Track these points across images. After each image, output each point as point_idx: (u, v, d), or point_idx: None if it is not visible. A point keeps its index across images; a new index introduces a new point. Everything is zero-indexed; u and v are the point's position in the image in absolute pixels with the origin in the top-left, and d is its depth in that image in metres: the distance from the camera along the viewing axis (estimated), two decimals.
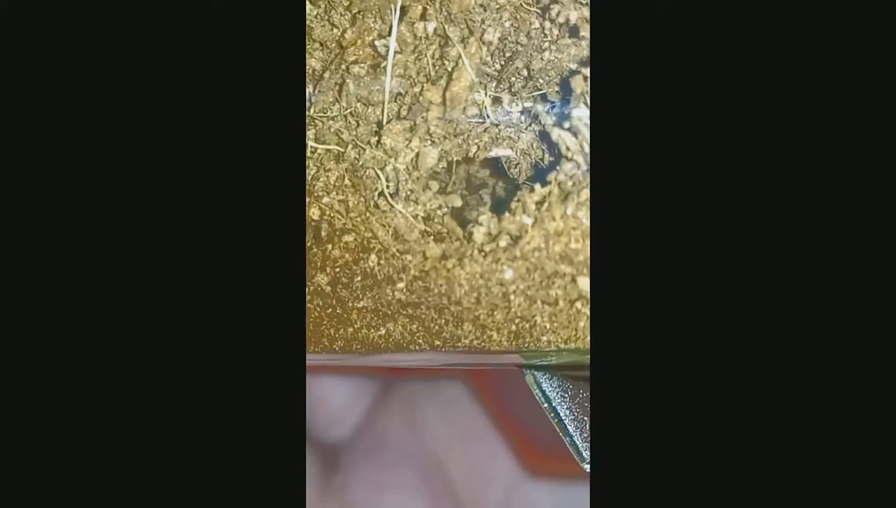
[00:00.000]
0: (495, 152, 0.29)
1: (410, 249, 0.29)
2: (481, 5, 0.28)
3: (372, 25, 0.29)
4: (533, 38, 0.28)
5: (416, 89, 0.29)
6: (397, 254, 0.29)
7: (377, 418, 0.47)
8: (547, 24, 0.28)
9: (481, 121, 0.29)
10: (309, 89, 0.29)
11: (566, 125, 0.28)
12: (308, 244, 0.30)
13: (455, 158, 0.29)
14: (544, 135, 0.29)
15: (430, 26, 0.29)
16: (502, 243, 0.28)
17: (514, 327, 0.29)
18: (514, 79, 0.29)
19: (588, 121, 0.28)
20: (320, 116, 0.29)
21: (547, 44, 0.28)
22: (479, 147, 0.29)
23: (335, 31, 0.29)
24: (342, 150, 0.29)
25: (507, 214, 0.28)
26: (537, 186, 0.28)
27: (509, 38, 0.29)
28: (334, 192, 0.29)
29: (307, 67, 0.29)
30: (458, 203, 0.29)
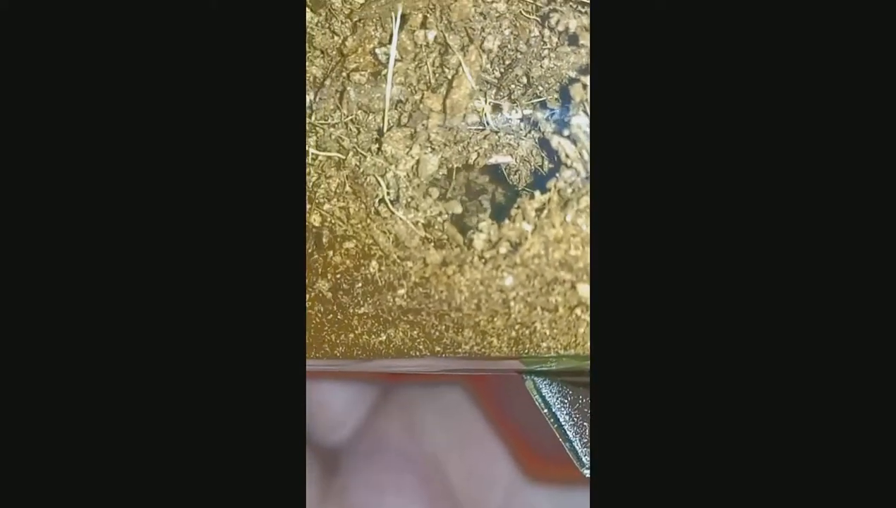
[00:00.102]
0: (495, 159, 0.29)
1: (411, 256, 0.29)
2: (481, 13, 0.29)
3: (373, 33, 0.29)
4: (532, 45, 0.29)
5: (417, 97, 0.29)
6: (398, 261, 0.29)
7: (377, 422, 0.48)
8: (546, 33, 0.28)
9: (481, 128, 0.29)
10: (310, 96, 0.30)
11: (566, 133, 0.28)
12: (309, 250, 0.30)
13: (455, 165, 0.29)
14: (544, 143, 0.29)
15: (431, 34, 0.29)
16: (502, 250, 0.28)
17: (514, 333, 0.29)
18: (513, 86, 0.29)
19: (587, 129, 0.28)
20: (321, 123, 0.29)
21: (546, 52, 0.29)
22: (478, 154, 0.29)
23: (336, 38, 0.29)
24: (343, 157, 0.29)
25: (507, 221, 0.28)
26: (537, 193, 0.28)
27: (509, 46, 0.29)
28: (335, 199, 0.29)
29: (308, 75, 0.29)
30: (459, 210, 0.29)
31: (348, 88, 0.29)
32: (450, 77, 0.29)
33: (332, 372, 0.45)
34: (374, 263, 0.29)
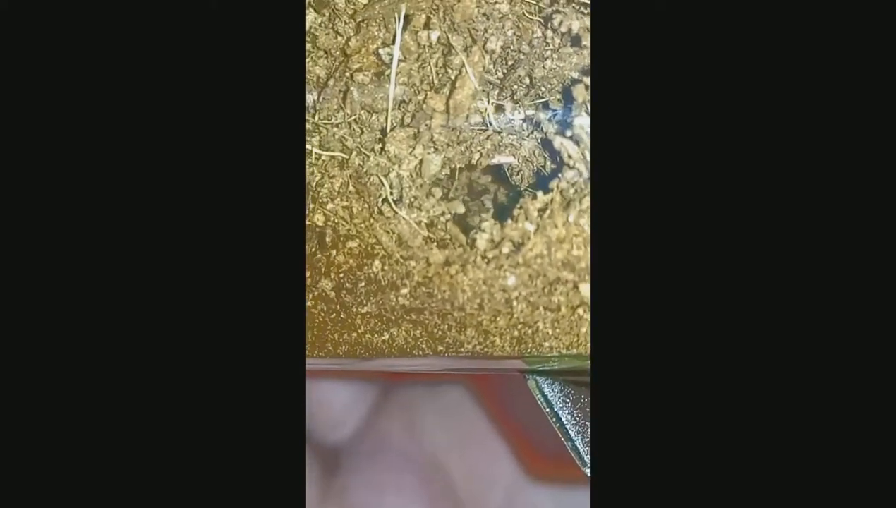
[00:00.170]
0: (498, 159, 0.29)
1: (414, 255, 0.29)
2: (484, 14, 0.29)
3: (376, 34, 0.29)
4: (535, 46, 0.29)
5: (420, 97, 0.29)
6: (401, 260, 0.29)
7: (377, 421, 0.48)
8: (549, 34, 0.28)
9: (484, 128, 0.29)
10: (313, 96, 0.30)
11: (568, 133, 0.28)
12: (312, 250, 0.30)
13: (458, 165, 0.29)
14: (546, 143, 0.29)
15: (434, 35, 0.29)
16: (505, 250, 0.28)
17: (516, 333, 0.29)
18: (516, 87, 0.29)
19: (589, 130, 0.28)
20: (324, 123, 0.30)
21: (549, 52, 0.29)
22: (481, 154, 0.29)
23: (339, 38, 0.29)
24: (346, 157, 0.30)
25: (509, 221, 0.28)
26: (540, 193, 0.28)
27: (511, 47, 0.29)
28: (338, 199, 0.30)
29: (312, 75, 0.30)
30: (462, 210, 0.29)
31: (352, 88, 0.29)
32: (453, 77, 0.29)
33: (333, 370, 0.45)
34: (377, 263, 0.29)
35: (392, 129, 0.29)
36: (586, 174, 0.28)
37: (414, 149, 0.29)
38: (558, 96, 0.29)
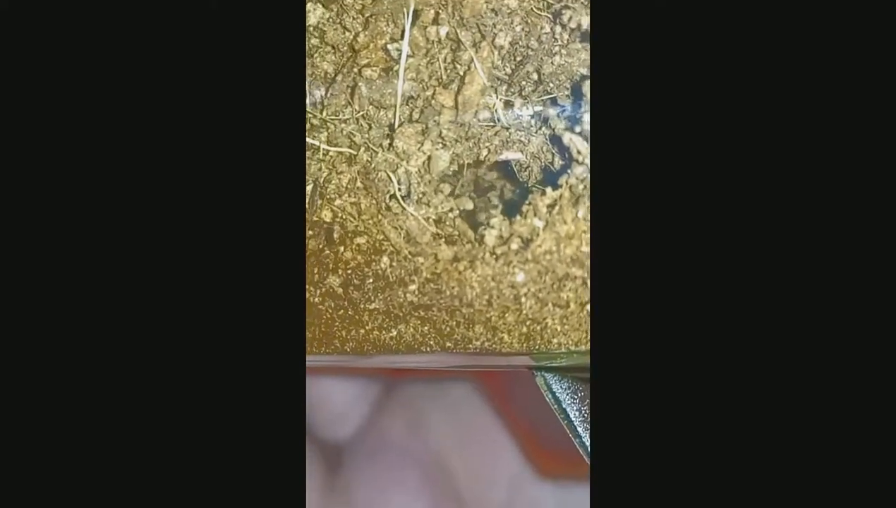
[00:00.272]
0: (506, 155, 0.29)
1: (422, 251, 0.29)
2: (493, 10, 0.29)
3: (384, 29, 0.29)
4: (544, 42, 0.29)
5: (429, 93, 0.29)
6: (409, 257, 0.29)
7: (381, 418, 0.48)
8: (558, 29, 0.28)
9: (492, 124, 0.29)
10: (321, 92, 0.30)
11: (577, 129, 0.28)
12: (320, 246, 0.30)
13: (466, 162, 0.29)
14: (555, 139, 0.29)
15: (443, 30, 0.29)
16: (514, 246, 0.28)
17: (525, 329, 0.29)
18: (524, 83, 0.29)
19: (590, 126, 0.28)
20: (332, 119, 0.29)
21: (557, 48, 0.29)
22: (489, 150, 0.29)
23: (347, 34, 0.29)
24: (354, 153, 0.29)
25: (518, 217, 0.28)
26: (549, 189, 0.28)
27: (520, 43, 0.29)
28: (346, 195, 0.29)
29: (319, 70, 0.29)
30: (470, 206, 0.29)
31: (360, 84, 0.29)
32: (461, 73, 0.29)
33: (341, 367, 0.45)
34: (385, 259, 0.29)
35: (400, 125, 0.29)
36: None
37: (422, 145, 0.29)
38: (567, 92, 0.29)
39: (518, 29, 0.29)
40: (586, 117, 0.28)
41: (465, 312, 0.29)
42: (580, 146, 0.28)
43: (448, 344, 0.29)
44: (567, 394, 0.32)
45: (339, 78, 0.29)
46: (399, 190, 0.29)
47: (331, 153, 0.30)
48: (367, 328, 0.30)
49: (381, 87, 0.29)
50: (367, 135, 0.29)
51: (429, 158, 0.29)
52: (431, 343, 0.29)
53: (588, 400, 0.32)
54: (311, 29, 0.29)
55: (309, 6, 0.29)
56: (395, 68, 0.29)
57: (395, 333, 0.30)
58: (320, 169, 0.30)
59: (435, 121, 0.29)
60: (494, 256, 0.29)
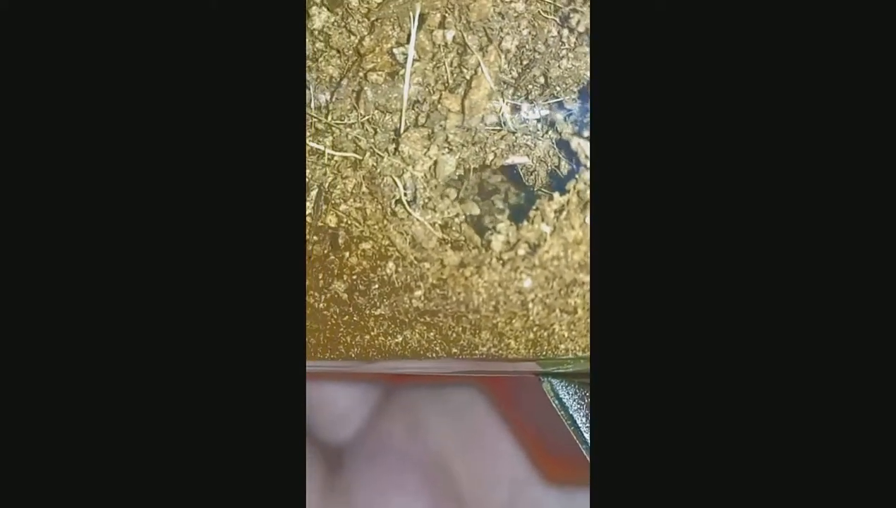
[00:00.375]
0: (512, 160, 0.29)
1: (428, 257, 0.29)
2: (500, 13, 0.28)
3: (390, 33, 0.29)
4: (550, 45, 0.28)
5: (435, 97, 0.29)
6: (415, 262, 0.29)
7: (382, 421, 0.48)
8: (565, 33, 0.28)
9: (499, 128, 0.29)
10: (326, 96, 0.29)
11: (585, 134, 0.28)
12: (325, 251, 0.29)
13: (472, 166, 0.29)
14: (561, 144, 0.29)
15: (449, 34, 0.29)
16: (521, 251, 0.28)
17: (532, 335, 0.29)
18: (530, 86, 0.29)
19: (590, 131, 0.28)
20: (338, 123, 0.29)
21: (564, 52, 0.28)
22: (495, 154, 0.29)
23: (353, 38, 0.29)
24: (360, 158, 0.29)
25: (525, 222, 0.28)
26: (556, 194, 0.28)
27: (527, 46, 0.29)
28: (352, 200, 0.29)
29: (325, 74, 0.29)
30: (476, 211, 0.29)
31: (365, 88, 0.29)
32: (468, 77, 0.29)
33: (345, 372, 0.45)
34: (390, 264, 0.29)
35: (406, 130, 0.29)
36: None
37: (428, 149, 0.29)
38: (574, 96, 0.28)
39: (525, 32, 0.28)
40: None
41: (471, 318, 0.29)
42: (588, 151, 0.28)
43: (454, 350, 0.29)
44: (574, 400, 0.31)
45: (345, 82, 0.29)
46: (405, 195, 0.29)
47: (336, 158, 0.29)
48: (372, 334, 0.30)
49: (386, 92, 0.29)
50: (372, 140, 0.29)
51: (435, 163, 0.29)
52: (437, 349, 0.29)
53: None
54: (316, 33, 0.29)
55: (314, 10, 0.29)
56: (401, 72, 0.29)
57: (400, 339, 0.29)
58: (325, 173, 0.29)
59: (441, 125, 0.29)
60: (501, 262, 0.28)
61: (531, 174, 0.29)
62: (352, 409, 0.48)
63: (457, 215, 0.29)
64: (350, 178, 0.29)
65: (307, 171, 0.29)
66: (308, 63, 0.29)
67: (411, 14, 0.29)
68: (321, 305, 0.30)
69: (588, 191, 0.28)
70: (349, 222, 0.29)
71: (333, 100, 0.29)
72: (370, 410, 0.48)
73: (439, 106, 0.29)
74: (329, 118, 0.29)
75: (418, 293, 0.29)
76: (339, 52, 0.29)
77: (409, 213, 0.29)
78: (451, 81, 0.29)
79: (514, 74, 0.29)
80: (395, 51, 0.29)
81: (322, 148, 0.29)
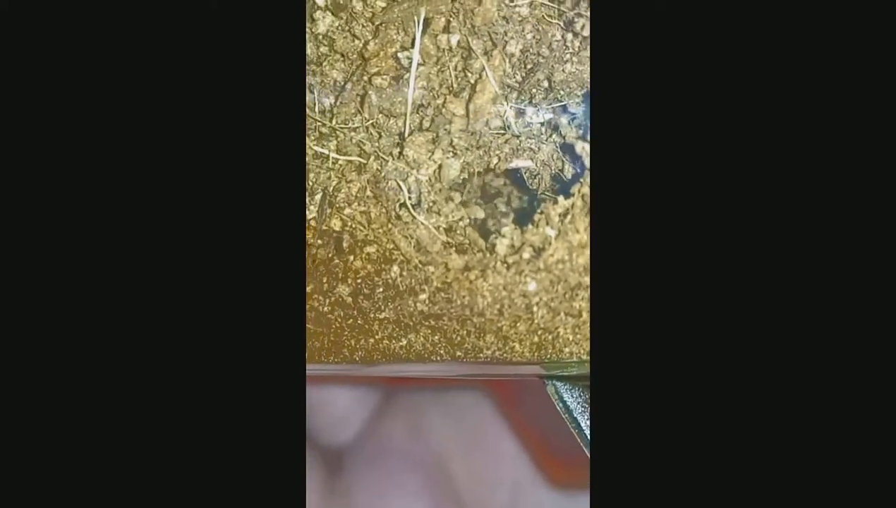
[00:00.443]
0: (516, 163, 0.29)
1: (433, 261, 0.29)
2: (504, 18, 0.28)
3: (395, 37, 0.29)
4: (555, 50, 0.28)
5: (439, 101, 0.29)
6: (419, 266, 0.29)
7: (383, 423, 0.48)
8: (569, 37, 0.28)
9: (503, 132, 0.29)
10: (330, 100, 0.29)
11: (589, 137, 0.28)
12: (330, 255, 0.30)
13: (476, 170, 0.29)
14: (566, 147, 0.29)
15: (454, 38, 0.29)
16: (525, 255, 0.28)
17: (536, 339, 0.29)
18: (534, 90, 0.29)
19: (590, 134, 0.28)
20: (342, 127, 0.29)
21: (568, 56, 0.28)
22: (499, 158, 0.29)
23: (357, 42, 0.29)
24: (364, 162, 0.29)
25: (530, 226, 0.28)
26: (560, 198, 0.28)
27: (531, 50, 0.29)
28: (356, 203, 0.29)
29: (329, 79, 0.29)
30: (481, 214, 0.29)
31: (370, 92, 0.29)
32: (472, 81, 0.29)
33: (349, 376, 0.45)
34: (395, 268, 0.29)
35: (410, 134, 0.29)
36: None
37: (433, 153, 0.29)
38: (578, 99, 0.28)
39: (529, 36, 0.29)
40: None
41: (476, 321, 0.29)
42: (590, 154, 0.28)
43: (458, 354, 0.29)
44: (578, 403, 0.32)
45: (349, 86, 0.29)
46: (409, 198, 0.29)
47: (340, 162, 0.29)
48: (376, 337, 0.30)
49: (391, 96, 0.29)
50: (377, 144, 0.29)
51: (439, 167, 0.29)
52: (442, 352, 0.29)
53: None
54: (321, 37, 0.29)
55: (318, 14, 0.29)
56: (406, 76, 0.29)
57: (405, 342, 0.30)
58: (330, 177, 0.29)
59: (446, 129, 0.29)
60: (506, 265, 0.28)
61: (535, 178, 0.29)
62: (352, 411, 0.48)
63: (461, 219, 0.29)
64: (354, 182, 0.29)
65: (311, 175, 0.29)
66: (312, 67, 0.29)
67: (416, 18, 0.29)
68: (325, 309, 0.30)
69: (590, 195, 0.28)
70: (354, 226, 0.29)
71: (338, 104, 0.29)
72: (370, 412, 0.48)
73: (444, 110, 0.29)
74: (333, 122, 0.29)
75: (423, 296, 0.29)
76: (343, 56, 0.29)
77: (414, 217, 0.29)
78: (455, 85, 0.29)
79: (519, 78, 0.29)
80: (399, 55, 0.29)
81: (326, 152, 0.29)
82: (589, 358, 0.28)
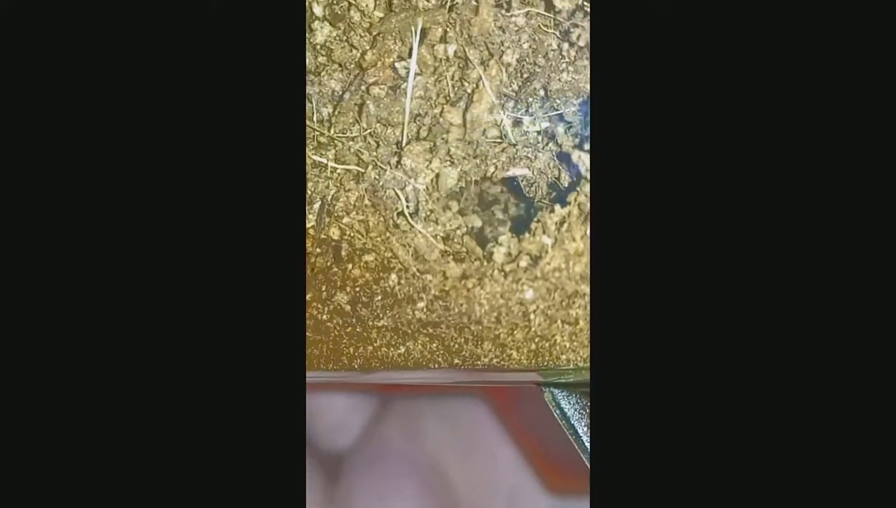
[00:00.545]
0: (512, 172, 0.30)
1: (430, 269, 0.29)
2: (500, 28, 0.29)
3: (392, 47, 0.29)
4: (551, 59, 0.29)
5: (437, 110, 0.29)
6: (417, 274, 0.29)
7: (380, 427, 0.48)
8: (565, 46, 0.28)
9: (500, 141, 0.29)
10: (328, 110, 0.30)
11: (586, 147, 0.28)
12: (328, 263, 0.30)
13: (473, 178, 0.30)
14: (562, 156, 0.29)
15: (451, 48, 0.29)
16: (522, 263, 0.28)
17: (533, 346, 0.29)
18: (531, 99, 0.29)
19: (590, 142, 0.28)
20: (340, 137, 0.29)
21: (564, 65, 0.29)
22: (496, 167, 0.29)
23: (355, 52, 0.29)
24: (362, 171, 0.29)
25: (527, 234, 0.29)
26: (557, 207, 0.28)
27: (527, 60, 0.29)
28: (354, 212, 0.29)
29: (327, 88, 0.29)
30: (478, 223, 0.29)
31: (368, 102, 0.29)
32: (469, 91, 0.29)
33: (348, 383, 0.45)
34: (393, 276, 0.29)
35: (408, 143, 0.29)
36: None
37: (430, 162, 0.29)
38: (574, 108, 0.29)
39: (525, 46, 0.29)
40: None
41: (473, 329, 0.29)
42: (589, 163, 0.28)
43: (456, 361, 0.29)
44: (575, 410, 0.32)
45: (347, 96, 0.29)
46: (407, 207, 0.29)
47: (338, 171, 0.30)
48: (375, 345, 0.30)
49: (388, 105, 0.29)
50: (374, 153, 0.29)
51: (437, 176, 0.29)
52: (440, 359, 0.29)
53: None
54: (319, 47, 0.29)
55: (316, 24, 0.29)
56: (403, 86, 0.29)
57: (403, 350, 0.30)
58: (328, 186, 0.30)
59: (443, 138, 0.29)
60: (503, 273, 0.29)
61: (532, 186, 0.30)
62: (350, 417, 0.48)
63: (459, 227, 0.29)
64: (353, 191, 0.29)
65: (310, 184, 0.29)
66: (311, 77, 0.29)
67: (413, 28, 0.29)
68: (324, 317, 0.30)
69: (589, 204, 0.28)
70: (352, 234, 0.30)
71: (336, 113, 0.30)
72: (369, 417, 0.48)
73: (441, 119, 0.29)
74: (332, 131, 0.30)
75: (421, 304, 0.29)
76: (341, 66, 0.29)
77: (412, 226, 0.29)
78: (452, 95, 0.29)
79: (515, 87, 0.29)
80: (397, 65, 0.29)
81: (325, 161, 0.29)
82: (586, 365, 0.28)
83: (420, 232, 0.29)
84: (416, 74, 0.29)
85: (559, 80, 0.29)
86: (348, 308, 0.30)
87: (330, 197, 0.30)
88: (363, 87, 0.29)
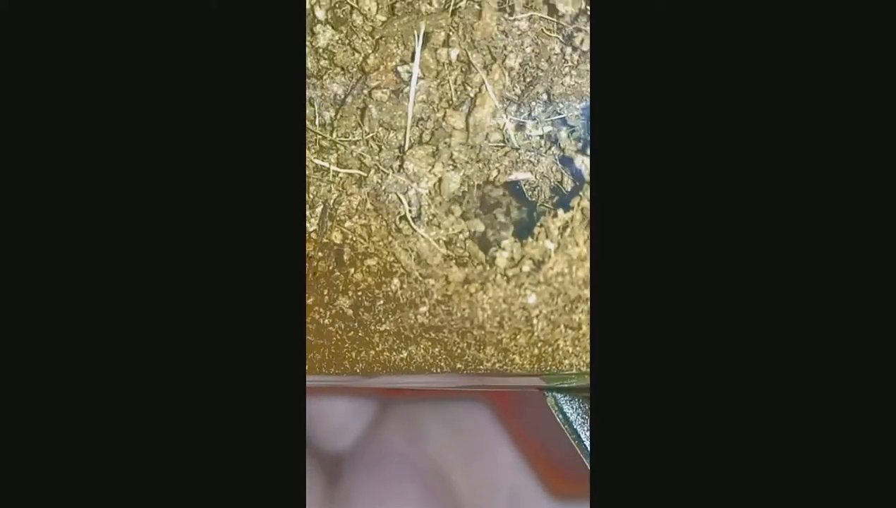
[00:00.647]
0: (515, 176, 0.29)
1: (433, 273, 0.29)
2: (503, 32, 0.29)
3: (395, 51, 0.29)
4: (554, 63, 0.29)
5: (439, 114, 0.29)
6: (420, 278, 0.29)
7: (380, 429, 0.48)
8: (568, 50, 0.28)
9: (502, 145, 0.29)
10: (331, 113, 0.30)
11: (589, 151, 0.28)
12: (330, 268, 0.30)
13: (476, 183, 0.29)
14: (565, 160, 0.29)
15: (454, 52, 0.29)
16: (525, 268, 0.28)
17: (536, 351, 0.29)
18: (534, 103, 0.29)
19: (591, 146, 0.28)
20: (342, 141, 0.29)
21: (567, 69, 0.29)
22: (499, 171, 0.29)
23: (357, 56, 0.29)
24: (364, 175, 0.29)
25: (529, 239, 0.28)
26: (560, 211, 0.28)
27: (530, 64, 0.29)
28: (356, 216, 0.29)
29: (329, 92, 0.29)
30: (481, 227, 0.29)
31: (370, 106, 0.29)
32: (472, 95, 0.29)
33: (350, 388, 0.45)
34: (395, 280, 0.29)
35: (410, 147, 0.29)
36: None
37: (433, 166, 0.29)
38: (577, 112, 0.29)
39: (528, 50, 0.29)
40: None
41: (476, 334, 0.29)
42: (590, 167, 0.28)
43: (459, 366, 0.29)
44: (578, 415, 0.32)
45: (349, 100, 0.29)
46: (409, 211, 0.29)
47: (341, 175, 0.29)
48: (377, 349, 0.30)
49: (391, 109, 0.29)
50: (377, 157, 0.29)
51: (439, 180, 0.29)
52: (442, 364, 0.29)
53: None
54: (321, 51, 0.29)
55: (318, 28, 0.29)
56: (406, 90, 0.29)
57: (405, 355, 0.30)
58: (330, 190, 0.29)
59: (446, 142, 0.29)
60: (506, 278, 0.29)
61: (534, 190, 0.30)
62: (351, 420, 0.48)
63: (461, 232, 0.29)
64: (355, 195, 0.29)
65: (312, 188, 0.29)
66: (313, 80, 0.29)
67: (416, 32, 0.29)
68: (326, 321, 0.30)
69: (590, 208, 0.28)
70: (354, 238, 0.29)
71: (338, 117, 0.29)
72: (369, 420, 0.48)
73: (444, 123, 0.29)
74: (334, 135, 0.29)
75: (423, 309, 0.29)
76: (343, 69, 0.29)
77: (414, 230, 0.29)
78: (455, 99, 0.29)
79: (518, 91, 0.29)
80: (399, 69, 0.29)
81: (327, 165, 0.29)
82: (588, 369, 0.28)
83: (422, 236, 0.29)
84: (419, 78, 0.29)
85: (562, 84, 0.29)
86: (350, 312, 0.30)
87: (332, 201, 0.29)
88: (365, 91, 0.29)
